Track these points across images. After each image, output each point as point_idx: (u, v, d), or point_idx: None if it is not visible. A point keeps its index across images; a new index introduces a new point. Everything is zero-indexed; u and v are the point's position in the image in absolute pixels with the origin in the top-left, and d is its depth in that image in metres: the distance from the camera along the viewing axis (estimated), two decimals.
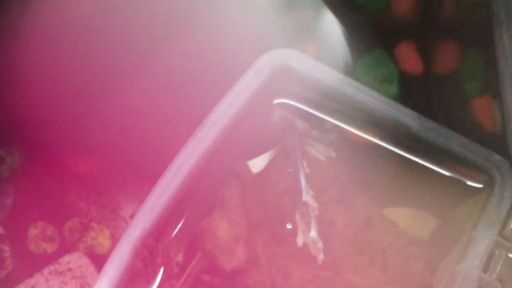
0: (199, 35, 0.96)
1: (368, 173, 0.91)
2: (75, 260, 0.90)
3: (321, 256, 0.83)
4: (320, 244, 0.86)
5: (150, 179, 0.85)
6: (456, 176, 0.90)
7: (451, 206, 0.92)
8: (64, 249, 0.89)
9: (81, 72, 0.95)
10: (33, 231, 0.90)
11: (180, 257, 0.87)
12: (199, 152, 0.81)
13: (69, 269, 0.89)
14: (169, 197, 0.80)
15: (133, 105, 0.93)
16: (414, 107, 0.86)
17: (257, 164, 0.88)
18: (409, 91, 0.94)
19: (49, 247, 0.90)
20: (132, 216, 0.90)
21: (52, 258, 0.89)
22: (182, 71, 0.96)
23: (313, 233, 0.86)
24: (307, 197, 0.87)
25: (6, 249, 0.88)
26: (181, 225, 0.85)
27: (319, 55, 0.97)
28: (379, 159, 0.90)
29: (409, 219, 0.90)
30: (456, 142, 0.87)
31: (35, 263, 0.88)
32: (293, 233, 0.84)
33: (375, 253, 0.85)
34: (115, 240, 0.90)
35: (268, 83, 0.86)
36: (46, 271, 0.89)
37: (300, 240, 0.86)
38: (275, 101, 0.91)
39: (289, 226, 0.88)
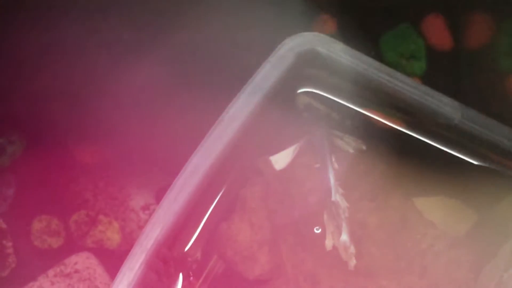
0: (214, 21, 0.93)
1: (401, 167, 0.86)
2: (83, 261, 0.87)
3: (353, 262, 0.81)
4: (352, 249, 0.81)
5: (162, 168, 0.85)
6: (499, 169, 0.87)
7: (493, 201, 0.87)
8: (71, 244, 0.87)
9: (88, 56, 0.92)
10: (37, 225, 0.87)
11: (195, 265, 0.83)
12: (218, 148, 0.78)
13: (76, 271, 0.86)
14: (184, 201, 0.77)
15: (146, 91, 0.90)
16: (443, 86, 0.83)
17: (280, 160, 0.85)
18: (438, 68, 0.89)
19: (55, 242, 0.87)
20: (143, 208, 0.89)
21: (58, 254, 0.87)
22: (198, 58, 0.91)
23: (344, 237, 0.81)
24: (336, 196, 0.82)
25: (9, 245, 0.85)
26: (198, 231, 0.82)
27: (339, 31, 0.93)
28: (414, 151, 0.87)
29: (443, 210, 0.86)
30: (501, 133, 0.83)
31: (40, 260, 0.85)
32: (322, 236, 0.83)
33: (413, 258, 0.81)
34: (125, 234, 0.88)
35: (291, 70, 0.82)
36: (51, 273, 0.86)
37: (329, 244, 0.82)
38: (300, 90, 0.86)
39: (317, 229, 0.83)
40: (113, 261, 0.87)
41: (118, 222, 0.89)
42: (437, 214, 0.85)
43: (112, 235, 0.89)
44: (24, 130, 0.88)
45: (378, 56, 0.86)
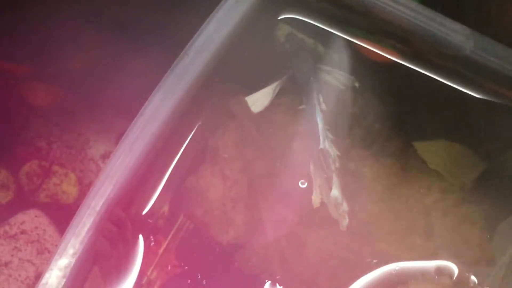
0: None
1: (400, 107, 0.79)
2: (31, 220, 0.81)
3: (345, 221, 0.73)
4: (344, 206, 0.73)
5: (123, 112, 0.80)
6: None
7: (504, 146, 0.79)
8: (22, 199, 0.82)
9: None
10: None
11: (157, 229, 0.74)
12: (182, 86, 0.70)
13: (23, 232, 0.80)
14: (141, 151, 0.68)
15: (106, 18, 0.83)
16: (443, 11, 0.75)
17: (258, 101, 0.77)
18: None
19: (3, 197, 0.82)
20: (103, 157, 0.84)
21: (5, 211, 0.81)
22: None
23: (335, 192, 0.72)
24: (325, 143, 0.74)
25: None
26: (160, 188, 0.73)
27: None
28: (412, 87, 0.80)
29: (447, 157, 0.78)
30: None
31: None
32: (308, 191, 0.74)
33: (416, 215, 0.74)
34: (83, 187, 0.82)
35: None
36: None
37: (316, 200, 0.74)
38: (281, 16, 0.79)
39: (302, 183, 0.75)
40: (67, 219, 0.75)
41: (75, 173, 0.83)
42: (441, 161, 0.78)
43: (68, 188, 0.83)
44: None
45: None
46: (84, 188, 0.82)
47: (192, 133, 0.75)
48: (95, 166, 0.83)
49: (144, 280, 0.72)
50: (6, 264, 0.78)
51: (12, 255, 0.79)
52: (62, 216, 0.81)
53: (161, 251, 0.73)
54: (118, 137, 0.83)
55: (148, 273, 0.71)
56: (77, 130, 0.84)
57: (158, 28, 0.81)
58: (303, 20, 0.80)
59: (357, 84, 0.79)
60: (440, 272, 0.72)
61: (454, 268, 0.72)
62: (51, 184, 0.83)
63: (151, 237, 0.73)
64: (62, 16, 0.83)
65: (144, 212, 0.72)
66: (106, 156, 0.84)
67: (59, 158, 0.83)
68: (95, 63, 0.85)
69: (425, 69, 0.79)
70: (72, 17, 0.84)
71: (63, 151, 0.84)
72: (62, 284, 0.63)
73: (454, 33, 0.74)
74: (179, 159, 0.74)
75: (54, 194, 0.82)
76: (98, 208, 0.65)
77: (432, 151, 0.78)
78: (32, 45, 0.84)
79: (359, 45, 0.80)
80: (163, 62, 0.72)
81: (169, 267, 0.72)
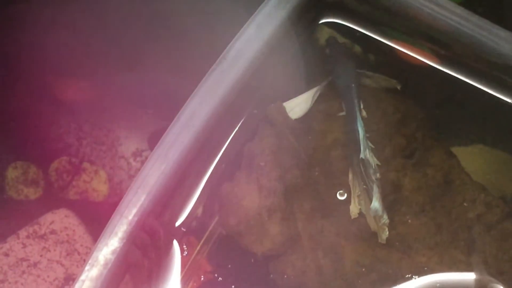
0: None
1: (442, 114, 0.78)
2: (60, 220, 0.80)
3: (385, 234, 0.71)
4: (385, 219, 0.70)
5: (156, 110, 0.80)
6: None
7: None
8: (51, 195, 0.81)
9: None
10: (12, 173, 0.82)
11: (190, 237, 0.73)
12: (220, 91, 0.69)
13: (52, 232, 0.79)
14: (177, 158, 0.66)
15: (141, 23, 0.83)
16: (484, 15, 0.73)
17: (296, 107, 0.76)
18: None
19: (32, 193, 0.81)
20: (134, 155, 0.82)
21: (35, 208, 0.80)
22: None
23: (375, 204, 0.70)
24: (366, 152, 0.72)
25: None
26: (195, 196, 0.73)
27: None
28: (455, 93, 0.78)
29: (491, 165, 0.77)
30: None
31: (14, 213, 0.80)
32: (345, 201, 0.73)
33: (458, 229, 0.72)
34: (113, 184, 0.81)
35: None
36: (23, 233, 0.79)
37: (354, 210, 0.72)
38: (322, 21, 0.78)
39: (341, 195, 0.73)
40: (97, 219, 0.79)
41: (105, 170, 0.82)
42: (484, 171, 0.76)
43: (98, 186, 0.82)
44: None
45: None
46: (115, 186, 0.81)
47: (229, 139, 0.74)
48: (125, 164, 0.82)
49: None
50: (35, 264, 0.78)
51: (41, 256, 0.78)
52: (92, 215, 0.81)
53: (193, 260, 0.72)
54: (150, 135, 0.83)
55: (180, 282, 0.70)
56: (107, 127, 0.83)
57: (197, 30, 0.81)
58: (343, 24, 0.79)
59: (399, 86, 0.77)
60: None
61: (497, 285, 0.70)
62: (81, 181, 0.82)
63: (184, 246, 0.72)
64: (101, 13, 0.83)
65: (177, 220, 0.71)
66: (137, 154, 0.83)
67: (89, 155, 0.83)
68: (129, 60, 0.84)
69: (466, 75, 0.78)
70: (111, 16, 0.84)
71: (93, 148, 0.83)
72: None
73: (503, 41, 0.71)
74: (214, 166, 0.73)
75: (84, 192, 0.81)
76: (130, 218, 0.65)
77: (473, 158, 0.76)
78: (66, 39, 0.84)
79: (400, 50, 0.79)
80: (200, 65, 0.71)
81: (202, 277, 0.71)
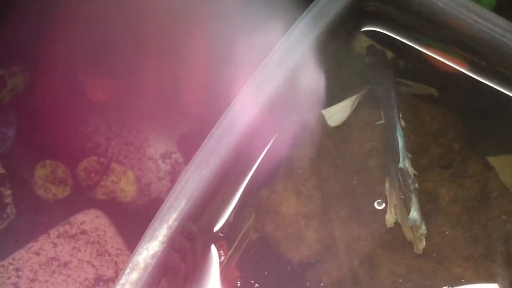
0: None
1: (479, 124, 0.77)
2: (91, 221, 0.80)
3: (422, 244, 0.70)
4: (423, 229, 0.70)
5: (185, 112, 0.79)
6: None
7: None
8: (79, 195, 0.81)
9: None
10: (40, 172, 0.81)
11: (228, 242, 0.72)
12: (259, 100, 0.68)
13: (83, 232, 0.79)
14: (216, 165, 0.66)
15: (173, 24, 0.81)
16: None
17: (335, 114, 0.76)
18: (508, 5, 0.80)
19: (60, 192, 0.81)
20: (163, 156, 0.82)
21: (63, 207, 0.80)
22: None
23: (413, 214, 0.70)
24: (405, 162, 0.72)
25: (7, 193, 0.80)
26: (233, 201, 0.72)
27: None
28: (494, 104, 0.77)
29: None
30: None
31: (42, 212, 0.80)
32: (382, 210, 0.73)
33: (495, 242, 0.71)
34: (141, 185, 0.81)
35: (353, 4, 0.73)
36: (54, 233, 0.79)
37: (390, 220, 0.72)
38: (364, 29, 0.78)
39: (379, 204, 0.73)
40: (126, 220, 0.79)
41: (133, 171, 0.82)
42: None
43: (126, 187, 0.82)
44: (27, 60, 0.84)
45: None
46: (143, 187, 0.81)
47: (268, 146, 0.74)
48: (154, 166, 0.82)
49: None
50: (65, 264, 0.78)
51: (72, 255, 0.78)
52: (121, 217, 0.80)
53: (230, 265, 0.72)
54: (179, 137, 0.83)
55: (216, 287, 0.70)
56: (136, 127, 0.83)
57: (236, 36, 0.80)
58: (383, 33, 0.79)
59: (436, 95, 0.77)
60: None
61: None
62: (109, 181, 0.82)
63: (221, 251, 0.71)
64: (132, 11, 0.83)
65: (215, 226, 0.71)
66: (166, 156, 0.82)
67: (118, 155, 0.82)
68: (162, 62, 0.83)
69: (500, 84, 0.78)
70: (144, 17, 0.83)
71: (122, 148, 0.83)
72: None
73: None
74: (253, 173, 0.73)
75: (112, 192, 0.81)
76: (171, 222, 0.64)
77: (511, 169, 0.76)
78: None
79: (434, 58, 0.78)
80: (239, 71, 0.71)
81: (238, 283, 0.71)
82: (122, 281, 0.62)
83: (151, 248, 0.63)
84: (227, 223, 0.71)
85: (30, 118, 0.83)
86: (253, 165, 0.73)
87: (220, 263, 0.71)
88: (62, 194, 0.81)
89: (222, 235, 0.71)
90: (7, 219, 0.79)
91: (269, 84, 0.68)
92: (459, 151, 0.75)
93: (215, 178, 0.66)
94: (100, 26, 0.82)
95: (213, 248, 0.71)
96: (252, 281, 0.71)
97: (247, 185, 0.72)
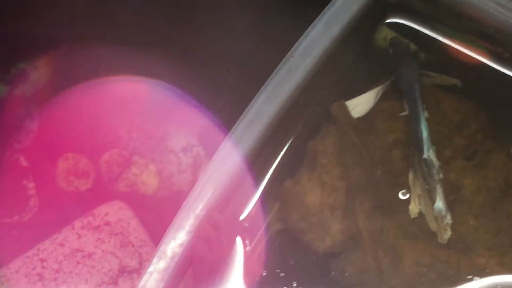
0: None
1: (503, 115, 0.77)
2: (115, 212, 0.80)
3: (447, 234, 0.71)
4: (448, 219, 0.70)
5: (207, 104, 0.79)
6: None
7: None
8: (101, 187, 0.81)
9: None
10: (62, 164, 0.81)
11: (253, 233, 0.72)
12: (284, 91, 0.69)
13: (107, 223, 0.80)
14: (242, 155, 0.67)
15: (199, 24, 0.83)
16: None
17: (359, 106, 0.76)
18: None
19: (82, 184, 0.81)
20: (184, 150, 0.82)
21: (85, 199, 0.80)
22: None
23: (439, 204, 0.70)
24: (429, 152, 0.72)
25: (31, 185, 0.80)
26: (258, 191, 0.72)
27: None
28: None
29: None
30: None
31: (65, 204, 0.80)
32: (405, 200, 0.73)
33: None
34: (163, 178, 0.81)
35: None
36: (78, 224, 0.80)
37: (414, 210, 0.72)
38: (387, 21, 0.78)
39: (403, 194, 0.73)
40: (149, 212, 0.80)
41: (155, 164, 0.82)
42: None
43: (147, 179, 0.82)
44: (50, 53, 0.84)
45: None
46: (164, 180, 0.81)
47: (292, 137, 0.74)
48: (175, 158, 0.82)
49: (239, 284, 0.71)
50: (90, 255, 0.78)
51: (96, 247, 0.79)
52: (143, 208, 0.80)
53: (256, 255, 0.72)
54: (200, 131, 0.83)
55: (242, 277, 0.70)
56: (157, 121, 0.83)
57: (261, 29, 0.81)
58: (406, 25, 0.79)
59: (459, 86, 0.77)
60: None
61: None
62: (131, 174, 0.82)
63: (247, 241, 0.71)
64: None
65: (240, 216, 0.71)
66: (187, 149, 0.82)
67: (139, 148, 0.82)
68: (182, 57, 0.84)
69: None
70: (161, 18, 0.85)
71: (143, 142, 0.83)
72: (161, 287, 0.62)
73: None
74: (277, 163, 0.73)
75: (134, 184, 0.81)
76: (198, 212, 0.65)
77: None
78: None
79: (461, 51, 0.78)
80: (263, 63, 0.71)
81: (264, 273, 0.71)
82: (150, 269, 0.62)
83: (178, 237, 0.64)
84: (252, 213, 0.72)
85: (52, 111, 0.83)
86: (278, 156, 0.73)
87: (245, 253, 0.71)
88: (85, 186, 0.81)
89: (247, 225, 0.72)
90: (30, 211, 0.80)
91: (295, 76, 0.69)
92: (482, 142, 0.75)
93: (240, 168, 0.67)
94: (125, 25, 0.84)
95: (238, 238, 0.71)
96: (278, 271, 0.71)
97: (271, 176, 0.73)
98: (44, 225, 0.79)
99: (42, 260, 0.78)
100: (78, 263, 0.78)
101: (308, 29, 0.70)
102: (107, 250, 0.79)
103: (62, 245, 0.79)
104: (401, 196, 0.73)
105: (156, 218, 0.79)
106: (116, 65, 0.84)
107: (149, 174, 0.82)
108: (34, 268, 0.78)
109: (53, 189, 0.81)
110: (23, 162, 0.81)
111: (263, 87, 0.68)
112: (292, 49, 0.69)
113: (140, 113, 0.83)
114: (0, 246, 0.78)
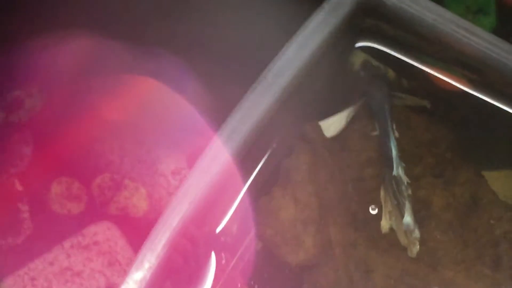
0: None
1: (471, 136, 0.78)
2: (103, 232, 0.81)
3: (416, 248, 0.72)
4: (416, 233, 0.72)
5: (195, 129, 0.79)
6: None
7: None
8: (93, 210, 0.81)
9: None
10: (56, 188, 0.81)
11: (228, 247, 0.74)
12: (258, 111, 0.70)
13: (95, 243, 0.80)
14: (217, 171, 0.68)
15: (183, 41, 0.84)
16: None
17: (331, 126, 0.77)
18: (509, 25, 0.81)
19: (75, 208, 0.81)
20: (173, 173, 0.82)
21: (78, 221, 0.80)
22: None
23: (407, 219, 0.72)
24: (399, 170, 0.74)
25: (25, 208, 0.80)
26: (234, 207, 0.74)
27: None
28: (484, 116, 0.79)
29: None
30: None
31: (58, 226, 0.80)
32: (376, 216, 0.75)
33: (484, 245, 0.73)
34: (153, 201, 0.81)
35: (349, 20, 0.74)
36: (67, 244, 0.80)
37: (385, 225, 0.74)
38: (357, 45, 0.80)
39: (373, 209, 0.75)
40: (137, 232, 0.80)
41: (145, 188, 0.82)
42: (509, 189, 0.76)
43: (138, 202, 0.82)
44: (43, 82, 0.84)
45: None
46: (154, 203, 0.81)
47: (266, 155, 0.75)
48: (165, 182, 0.83)
49: None
50: (78, 273, 0.79)
51: (84, 265, 0.79)
52: (132, 229, 0.80)
53: (231, 269, 0.73)
54: (189, 155, 0.83)
55: None
56: (148, 146, 0.83)
57: (237, 50, 0.82)
58: (378, 48, 0.80)
59: (428, 107, 0.78)
60: None
61: None
62: (122, 197, 0.82)
63: (223, 254, 0.73)
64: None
65: (217, 230, 0.72)
66: (176, 173, 0.83)
67: (130, 172, 0.83)
68: (171, 81, 0.84)
69: (497, 99, 0.78)
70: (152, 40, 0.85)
71: (135, 166, 0.83)
72: None
73: None
74: (252, 180, 0.74)
75: (125, 207, 0.82)
76: (174, 225, 0.66)
77: (502, 181, 0.77)
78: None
79: (432, 74, 0.79)
80: (239, 84, 0.73)
81: (238, 285, 0.73)
82: (127, 279, 0.64)
83: (154, 249, 0.65)
84: (228, 227, 0.73)
85: (46, 137, 0.83)
86: (252, 174, 0.74)
87: (221, 266, 0.72)
88: (77, 210, 0.81)
89: (223, 239, 0.73)
90: (23, 233, 0.80)
91: (268, 96, 0.70)
92: (451, 160, 0.76)
93: (216, 184, 0.68)
94: (115, 50, 0.83)
95: (214, 251, 0.72)
96: (252, 283, 0.72)
97: (247, 192, 0.73)
98: (36, 246, 0.79)
99: (33, 279, 0.79)
100: (67, 281, 0.78)
101: (281, 50, 0.71)
102: (95, 269, 0.79)
103: (52, 264, 0.79)
104: (372, 212, 0.74)
105: (144, 237, 0.75)
106: (109, 89, 0.85)
107: (140, 197, 0.82)
108: (24, 286, 0.78)
109: (46, 212, 0.80)
110: (18, 186, 0.81)
111: (237, 106, 0.69)
112: (265, 71, 0.70)
113: (131, 137, 0.84)
114: None
